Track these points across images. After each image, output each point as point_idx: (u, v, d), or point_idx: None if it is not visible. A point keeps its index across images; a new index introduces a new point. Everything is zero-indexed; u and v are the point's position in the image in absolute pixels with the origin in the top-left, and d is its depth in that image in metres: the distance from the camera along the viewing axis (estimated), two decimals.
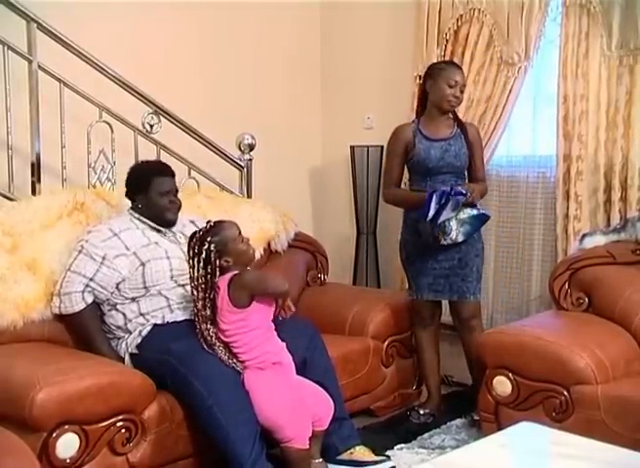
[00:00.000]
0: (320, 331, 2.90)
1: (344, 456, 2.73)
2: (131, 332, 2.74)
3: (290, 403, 2.53)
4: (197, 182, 3.62)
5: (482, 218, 3.11)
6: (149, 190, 2.83)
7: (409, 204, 3.23)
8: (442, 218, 2.99)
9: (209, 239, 2.56)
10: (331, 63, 4.62)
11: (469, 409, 3.19)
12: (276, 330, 2.62)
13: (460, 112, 3.53)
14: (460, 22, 3.81)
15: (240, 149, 3.85)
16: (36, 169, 3.16)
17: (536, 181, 3.74)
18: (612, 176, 3.39)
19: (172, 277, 2.78)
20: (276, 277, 2.82)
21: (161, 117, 3.51)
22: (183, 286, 2.77)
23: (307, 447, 2.55)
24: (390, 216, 3.97)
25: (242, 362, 2.55)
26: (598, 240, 3.16)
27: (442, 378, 3.49)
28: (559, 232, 3.54)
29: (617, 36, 3.33)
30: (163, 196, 2.84)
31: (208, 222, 2.65)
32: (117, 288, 2.74)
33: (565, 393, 2.61)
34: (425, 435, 3.10)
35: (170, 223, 2.89)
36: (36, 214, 2.86)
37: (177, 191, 2.92)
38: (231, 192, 3.78)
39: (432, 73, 3.17)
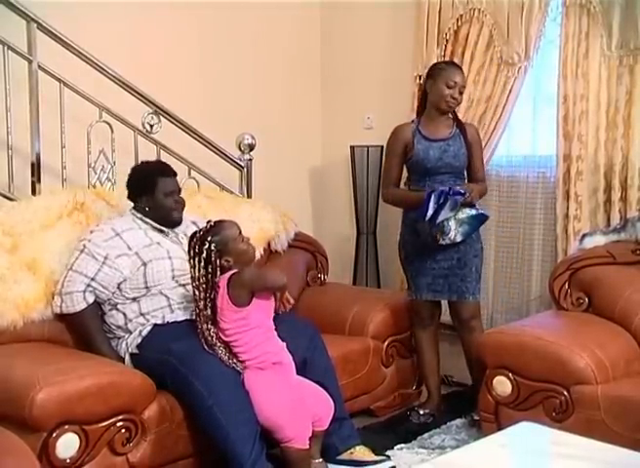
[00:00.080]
0: (320, 331, 2.90)
1: (344, 456, 2.74)
2: (131, 332, 2.74)
3: (290, 403, 2.53)
4: (197, 182, 3.61)
5: (481, 218, 3.11)
6: (155, 192, 2.83)
7: (407, 204, 3.23)
8: (440, 218, 2.99)
9: (209, 239, 2.56)
10: (331, 63, 4.61)
11: (469, 409, 3.19)
12: (276, 330, 2.62)
13: (460, 112, 3.53)
14: (460, 22, 3.80)
15: (240, 149, 3.85)
16: (36, 169, 3.15)
17: (536, 181, 3.73)
18: (612, 176, 3.38)
19: (173, 277, 2.79)
20: (274, 271, 2.83)
21: (161, 117, 3.50)
22: (185, 286, 2.77)
23: (307, 447, 2.55)
24: (390, 216, 3.97)
25: (242, 362, 2.55)
26: (598, 240, 3.16)
27: (442, 378, 3.50)
28: (559, 232, 3.53)
29: (617, 36, 3.32)
30: (168, 196, 2.85)
31: (208, 222, 2.65)
32: (118, 288, 2.74)
33: (565, 393, 2.61)
34: (425, 435, 3.10)
35: (176, 223, 2.89)
36: (36, 214, 2.86)
37: (180, 190, 2.93)
38: (231, 192, 3.78)
39: (433, 73, 3.18)
